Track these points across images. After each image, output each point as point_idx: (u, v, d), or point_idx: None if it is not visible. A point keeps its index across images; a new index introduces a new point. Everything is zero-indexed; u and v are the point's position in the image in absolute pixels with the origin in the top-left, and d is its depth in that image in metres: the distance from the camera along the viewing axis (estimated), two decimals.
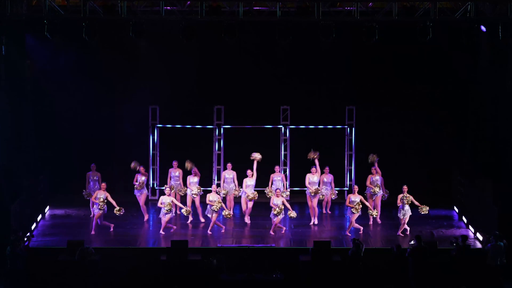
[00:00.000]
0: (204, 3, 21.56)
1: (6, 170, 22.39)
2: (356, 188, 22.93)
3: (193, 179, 23.73)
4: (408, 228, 22.70)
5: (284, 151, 26.63)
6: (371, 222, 23.62)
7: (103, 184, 23.00)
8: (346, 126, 26.68)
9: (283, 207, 22.33)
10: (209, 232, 22.61)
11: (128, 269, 20.49)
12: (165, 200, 22.44)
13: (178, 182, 24.07)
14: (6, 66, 22.67)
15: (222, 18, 21.74)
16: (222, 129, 26.56)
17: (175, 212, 23.51)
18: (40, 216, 24.02)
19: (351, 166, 26.61)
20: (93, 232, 22.51)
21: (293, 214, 22.47)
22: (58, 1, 22.01)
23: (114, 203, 22.56)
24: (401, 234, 22.52)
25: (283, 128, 26.60)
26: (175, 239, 21.14)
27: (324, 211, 24.77)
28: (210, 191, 22.95)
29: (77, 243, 20.46)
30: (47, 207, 25.07)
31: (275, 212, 22.23)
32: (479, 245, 21.67)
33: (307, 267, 20.31)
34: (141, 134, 26.73)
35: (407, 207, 22.51)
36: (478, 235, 22.34)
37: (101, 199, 22.42)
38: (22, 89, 23.75)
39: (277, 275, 20.09)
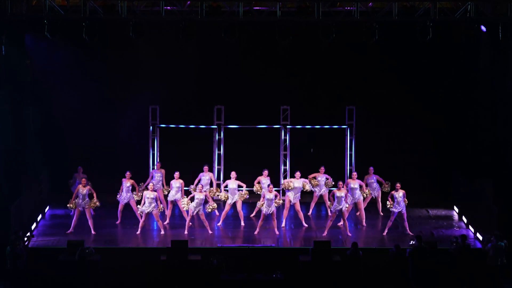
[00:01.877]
0: (204, 3, 21.55)
1: (6, 170, 22.40)
2: (341, 184, 22.79)
3: (175, 184, 23.61)
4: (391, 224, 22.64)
5: (284, 151, 26.63)
6: (341, 223, 23.39)
7: (83, 179, 22.95)
8: (346, 126, 26.69)
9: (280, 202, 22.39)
10: (209, 231, 22.61)
11: (128, 269, 20.51)
12: (148, 196, 22.46)
13: (160, 182, 24.10)
14: (6, 66, 22.67)
15: (222, 18, 21.73)
16: (222, 129, 26.57)
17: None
18: (40, 216, 24.03)
19: (351, 166, 26.60)
20: (93, 232, 22.51)
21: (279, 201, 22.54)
22: (58, 1, 21.99)
23: (94, 195, 22.60)
24: (410, 233, 22.43)
25: (283, 128, 26.61)
26: (175, 239, 21.16)
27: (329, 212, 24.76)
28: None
29: (77, 243, 20.47)
30: (47, 207, 25.07)
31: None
32: (479, 245, 21.69)
33: (307, 267, 20.31)
34: (141, 134, 26.73)
35: (402, 204, 22.42)
36: (478, 235, 22.35)
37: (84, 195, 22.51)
38: (22, 89, 23.75)
39: (277, 275, 20.09)
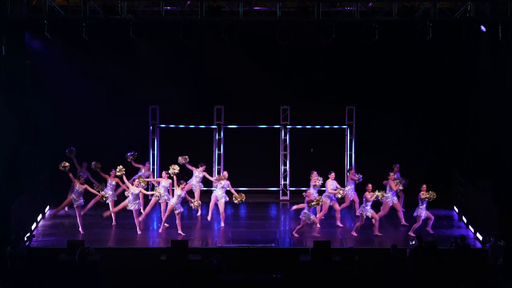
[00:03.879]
0: (204, 3, 21.56)
1: (6, 170, 22.41)
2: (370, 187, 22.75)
3: (165, 183, 23.49)
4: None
5: (284, 151, 26.64)
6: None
7: (82, 178, 23.04)
8: (346, 126, 26.69)
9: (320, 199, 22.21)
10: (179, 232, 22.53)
11: (128, 269, 20.51)
12: (132, 191, 22.52)
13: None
14: (6, 66, 22.66)
15: (222, 18, 21.75)
16: (222, 129, 26.58)
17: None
18: (40, 216, 24.04)
19: (351, 166, 26.58)
20: (82, 232, 22.52)
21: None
22: (58, 1, 22.00)
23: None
24: (407, 230, 22.48)
25: (283, 128, 26.61)
26: (175, 239, 21.17)
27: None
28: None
29: (77, 243, 20.49)
30: (47, 207, 25.08)
31: (314, 204, 21.98)
32: (479, 245, 21.70)
33: (307, 267, 20.32)
34: (141, 134, 26.73)
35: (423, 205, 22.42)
36: (478, 235, 22.35)
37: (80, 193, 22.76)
38: (22, 89, 23.74)
39: (277, 275, 20.09)
